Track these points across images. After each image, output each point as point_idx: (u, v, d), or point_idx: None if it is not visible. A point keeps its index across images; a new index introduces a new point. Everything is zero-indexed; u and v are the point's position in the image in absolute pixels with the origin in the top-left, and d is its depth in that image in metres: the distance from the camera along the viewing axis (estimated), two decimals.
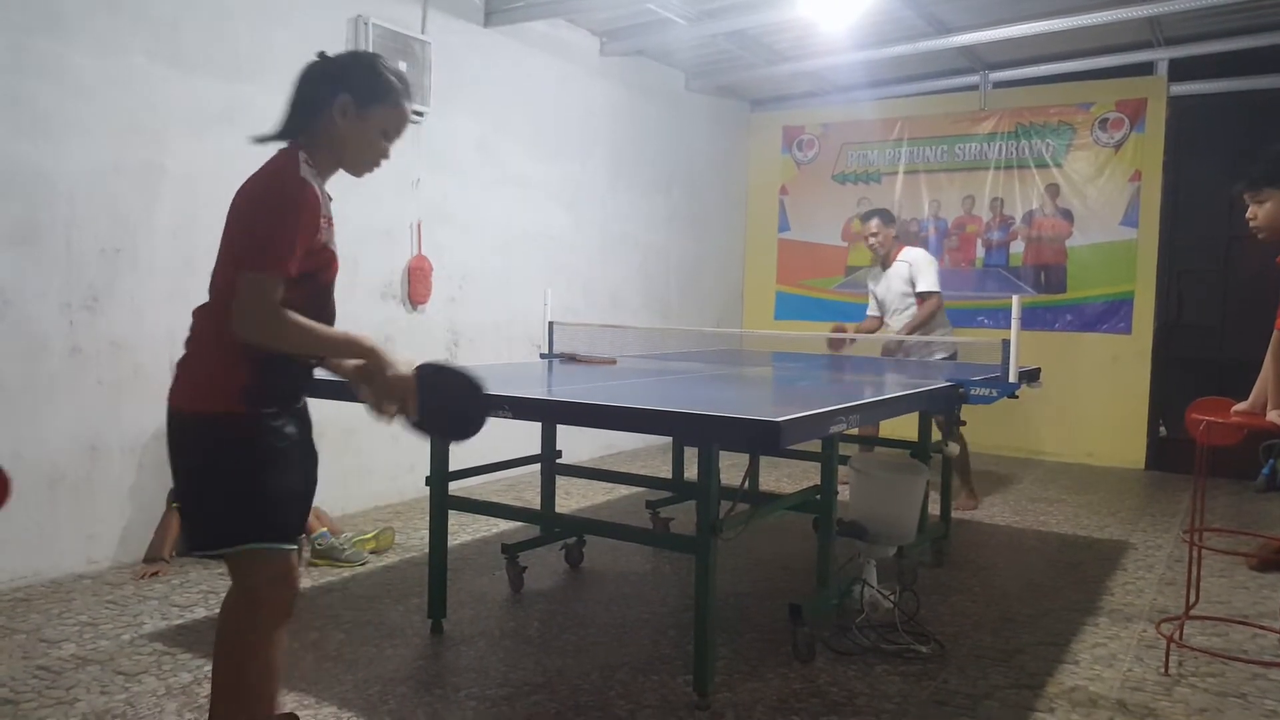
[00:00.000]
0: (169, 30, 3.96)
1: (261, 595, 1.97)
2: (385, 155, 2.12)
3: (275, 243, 1.85)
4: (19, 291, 3.21)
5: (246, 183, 1.99)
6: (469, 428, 2.12)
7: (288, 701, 2.62)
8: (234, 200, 1.99)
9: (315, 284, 2.01)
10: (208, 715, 2.06)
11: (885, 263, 5.32)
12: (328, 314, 2.07)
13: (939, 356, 5.15)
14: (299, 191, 1.90)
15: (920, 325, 5.11)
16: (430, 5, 5.13)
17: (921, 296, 5.15)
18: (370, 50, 1.98)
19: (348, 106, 2.03)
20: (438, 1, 5.19)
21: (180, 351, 2.01)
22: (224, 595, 2.06)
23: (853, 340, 5.24)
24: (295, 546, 2.01)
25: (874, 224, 5.28)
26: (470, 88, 5.46)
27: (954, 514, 4.72)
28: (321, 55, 2.09)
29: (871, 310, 5.51)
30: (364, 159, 2.10)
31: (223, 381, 1.92)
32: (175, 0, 3.97)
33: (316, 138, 2.04)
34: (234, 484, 1.94)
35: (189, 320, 2.04)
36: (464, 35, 5.40)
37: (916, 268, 5.18)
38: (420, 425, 2.11)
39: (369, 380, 2.04)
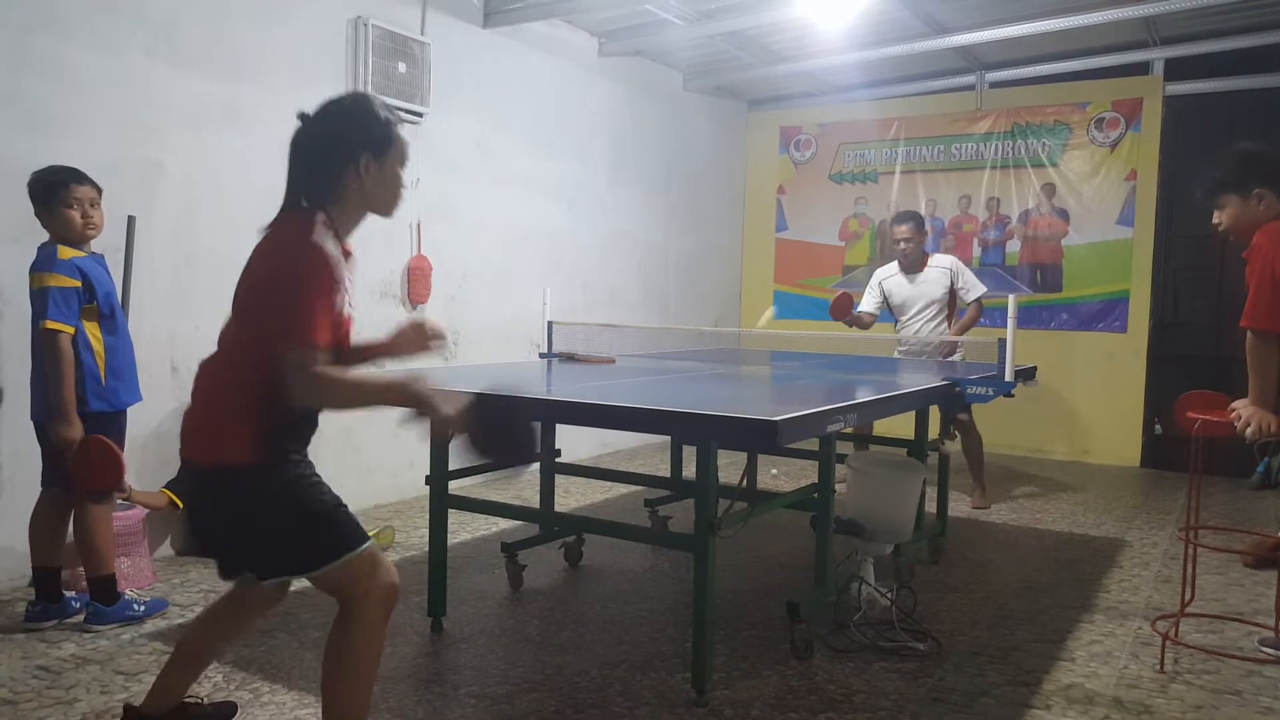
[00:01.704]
0: (168, 29, 3.97)
1: (366, 594, 2.02)
2: (404, 184, 2.15)
3: (302, 319, 1.87)
4: (18, 291, 3.21)
5: (263, 250, 1.99)
6: (521, 455, 2.18)
7: (288, 700, 2.63)
8: (250, 265, 2.01)
9: (333, 349, 2.05)
10: None
11: (913, 268, 5.30)
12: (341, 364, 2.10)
13: (954, 356, 5.25)
14: (315, 262, 1.90)
15: (971, 326, 5.25)
16: (429, 6, 5.14)
17: (975, 302, 5.27)
18: (362, 92, 1.98)
19: (369, 165, 2.04)
20: (437, 2, 5.20)
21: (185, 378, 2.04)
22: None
23: (857, 314, 5.26)
24: (370, 541, 2.07)
25: (907, 229, 5.24)
26: (469, 88, 5.47)
27: (967, 512, 4.75)
28: (304, 116, 2.05)
29: (870, 308, 5.46)
30: (394, 200, 2.13)
31: (251, 433, 1.96)
32: None
33: (338, 199, 2.04)
34: (296, 516, 2.00)
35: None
36: (463, 36, 5.41)
37: (961, 275, 5.27)
38: (475, 451, 2.10)
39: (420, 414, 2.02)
